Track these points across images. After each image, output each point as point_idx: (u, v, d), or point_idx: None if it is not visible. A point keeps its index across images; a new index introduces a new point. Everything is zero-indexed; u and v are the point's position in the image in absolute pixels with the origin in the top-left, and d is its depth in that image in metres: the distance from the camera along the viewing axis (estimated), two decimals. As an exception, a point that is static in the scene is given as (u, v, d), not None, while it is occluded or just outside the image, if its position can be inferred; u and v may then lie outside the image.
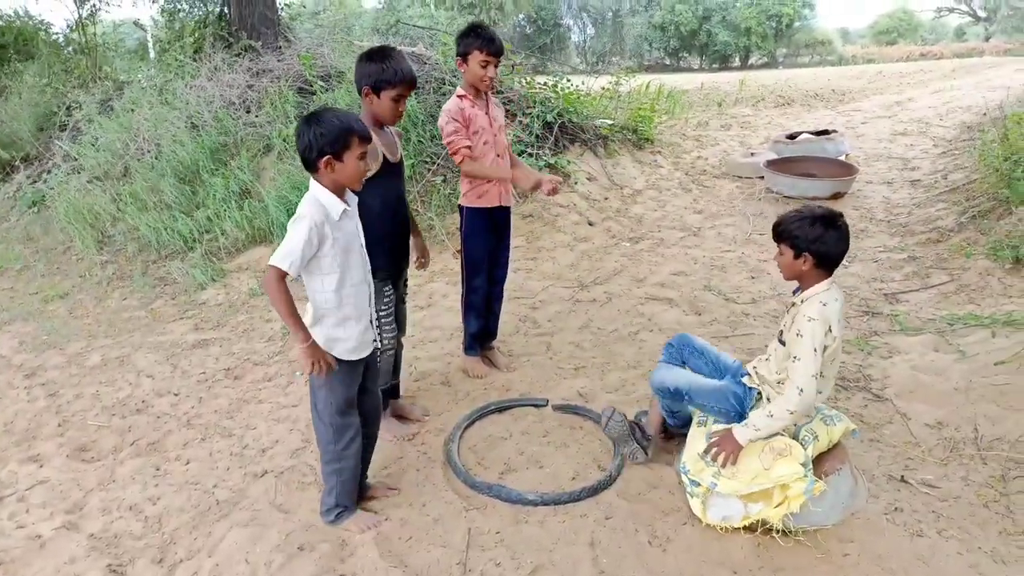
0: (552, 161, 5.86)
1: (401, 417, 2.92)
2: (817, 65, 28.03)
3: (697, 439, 2.26)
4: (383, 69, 2.35)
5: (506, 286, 3.37)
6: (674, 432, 2.57)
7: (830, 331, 2.03)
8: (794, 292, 2.19)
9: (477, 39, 2.79)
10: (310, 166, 1.98)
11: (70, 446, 3.05)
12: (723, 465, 2.10)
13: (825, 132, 7.20)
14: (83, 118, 7.39)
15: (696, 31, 32.55)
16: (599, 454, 2.62)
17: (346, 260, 2.03)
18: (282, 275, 1.90)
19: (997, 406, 2.67)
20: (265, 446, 2.88)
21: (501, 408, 2.97)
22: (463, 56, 2.85)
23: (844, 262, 4.51)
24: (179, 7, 9.59)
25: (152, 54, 10.35)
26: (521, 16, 33.28)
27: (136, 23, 11.13)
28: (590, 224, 5.49)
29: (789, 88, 13.77)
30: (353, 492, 2.28)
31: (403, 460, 2.65)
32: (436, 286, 4.52)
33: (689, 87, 13.67)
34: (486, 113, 2.93)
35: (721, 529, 2.13)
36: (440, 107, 2.95)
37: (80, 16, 9.86)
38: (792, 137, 7.25)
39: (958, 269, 4.14)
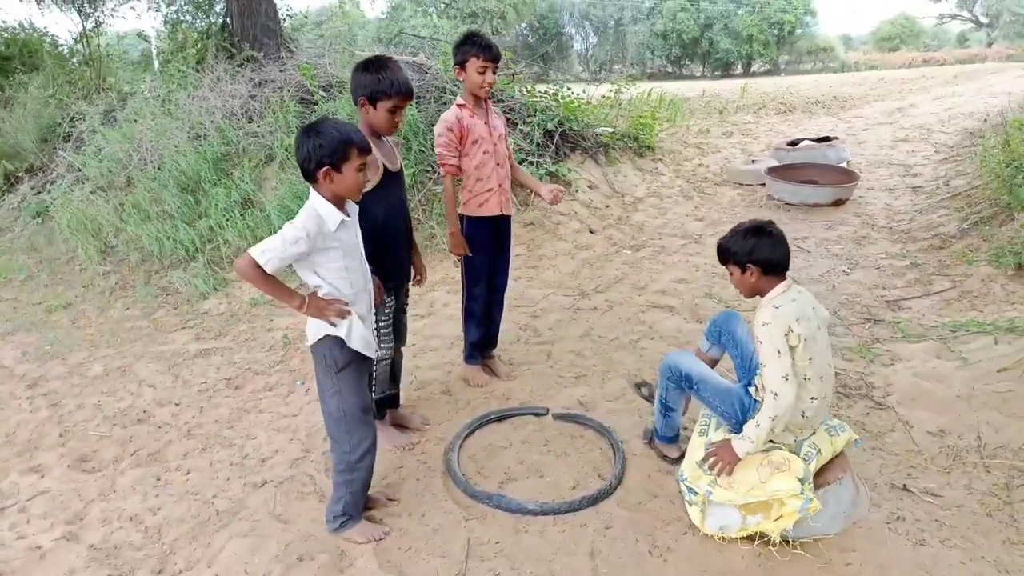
0: (553, 169, 5.86)
1: (401, 426, 2.91)
2: (819, 72, 28.03)
3: (697, 448, 2.26)
4: (379, 80, 2.35)
5: (507, 294, 3.37)
6: (656, 446, 2.59)
7: (791, 331, 2.01)
8: None
9: (473, 46, 2.81)
10: (309, 176, 1.99)
11: (71, 456, 3.06)
12: (719, 475, 2.09)
13: (827, 139, 7.18)
14: (87, 129, 7.46)
15: (698, 39, 32.61)
16: (599, 463, 2.60)
17: (346, 269, 2.05)
18: (256, 264, 1.89)
19: (1000, 413, 2.65)
20: (265, 456, 2.88)
21: (501, 417, 2.96)
22: (461, 64, 2.87)
23: (845, 269, 4.58)
24: (182, 18, 9.69)
25: (156, 65, 10.44)
26: (523, 25, 33.44)
27: (140, 35, 11.24)
28: (591, 232, 5.49)
29: (791, 95, 13.77)
30: (361, 503, 2.28)
31: (403, 469, 2.65)
32: (437, 295, 4.52)
33: (691, 95, 13.70)
34: (485, 122, 2.94)
35: (720, 539, 2.12)
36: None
37: (84, 28, 9.96)
38: (793, 144, 7.23)
39: (960, 275, 4.12)
